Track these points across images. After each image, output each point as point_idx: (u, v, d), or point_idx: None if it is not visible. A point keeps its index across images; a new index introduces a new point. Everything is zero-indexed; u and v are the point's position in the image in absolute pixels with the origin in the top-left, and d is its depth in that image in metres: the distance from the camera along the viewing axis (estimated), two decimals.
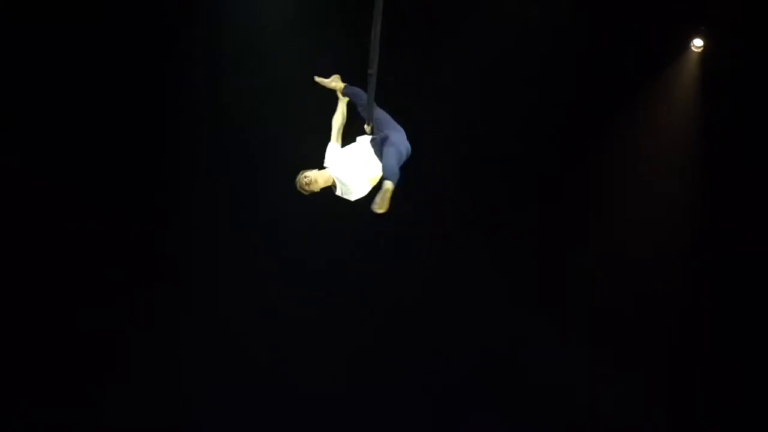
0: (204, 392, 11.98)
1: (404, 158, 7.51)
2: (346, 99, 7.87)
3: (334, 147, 7.79)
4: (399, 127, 7.64)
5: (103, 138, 11.90)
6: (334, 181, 7.59)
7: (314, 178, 7.55)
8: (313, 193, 7.64)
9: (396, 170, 7.27)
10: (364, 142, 7.61)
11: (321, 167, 7.63)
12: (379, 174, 7.46)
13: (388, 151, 7.39)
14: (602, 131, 12.39)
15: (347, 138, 7.75)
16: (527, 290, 12.28)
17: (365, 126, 7.63)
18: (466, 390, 12.19)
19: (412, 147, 7.60)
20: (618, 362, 12.22)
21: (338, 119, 7.85)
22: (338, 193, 7.65)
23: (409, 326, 12.16)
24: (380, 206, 7.09)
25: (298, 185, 7.62)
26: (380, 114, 7.69)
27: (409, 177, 7.53)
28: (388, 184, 7.13)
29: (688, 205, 12.35)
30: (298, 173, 7.59)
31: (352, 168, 7.55)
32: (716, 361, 12.23)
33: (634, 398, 12.16)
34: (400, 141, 7.52)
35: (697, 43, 12.27)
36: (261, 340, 12.00)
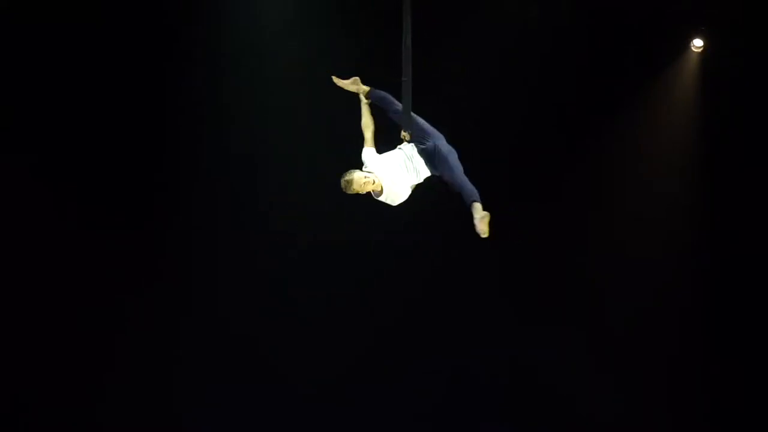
0: (204, 392, 11.94)
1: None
2: (369, 102, 7.79)
3: (371, 153, 7.70)
4: (440, 134, 7.66)
5: (103, 138, 11.88)
6: (381, 187, 7.55)
7: (372, 180, 7.49)
8: (356, 192, 7.56)
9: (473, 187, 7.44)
10: (410, 151, 7.59)
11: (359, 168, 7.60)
12: (421, 180, 7.59)
13: (459, 170, 7.50)
14: (602, 131, 12.37)
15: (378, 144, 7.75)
16: (527, 290, 12.25)
17: (403, 133, 7.59)
18: (465, 391, 12.16)
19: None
20: (618, 362, 12.18)
21: (369, 124, 7.75)
22: (382, 198, 7.62)
23: (408, 327, 12.13)
24: (485, 231, 7.23)
25: (352, 184, 7.47)
26: (419, 121, 7.66)
27: None
28: (480, 207, 7.28)
29: (688, 205, 12.32)
30: (347, 172, 7.48)
31: (402, 175, 7.57)
32: (716, 362, 12.19)
33: (633, 399, 12.12)
34: (453, 153, 7.58)
35: (697, 43, 12.25)
36: (261, 340, 11.98)
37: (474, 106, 11.97)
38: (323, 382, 11.95)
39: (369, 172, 7.55)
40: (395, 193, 7.62)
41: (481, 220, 7.30)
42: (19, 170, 11.67)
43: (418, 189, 7.81)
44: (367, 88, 7.73)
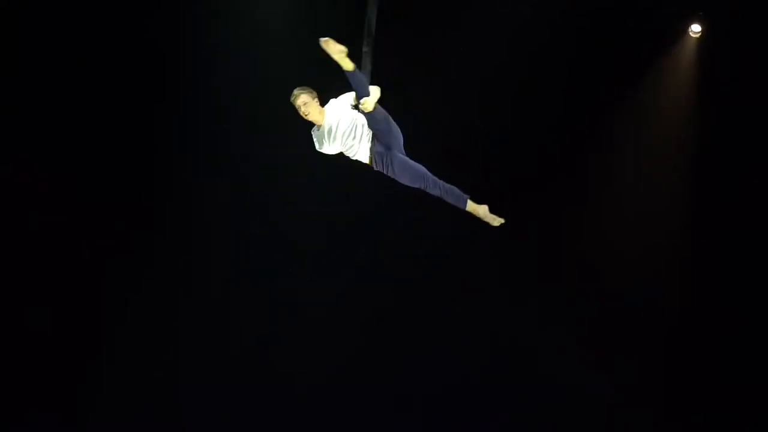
0: (201, 392, 11.92)
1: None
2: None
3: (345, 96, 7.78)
4: (399, 135, 7.79)
5: (101, 137, 11.92)
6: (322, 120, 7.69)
7: (318, 108, 7.70)
8: (298, 106, 7.72)
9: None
10: (363, 122, 7.67)
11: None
12: (353, 156, 7.78)
13: (420, 175, 7.73)
14: (599, 117, 12.35)
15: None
16: (524, 287, 12.17)
17: (362, 102, 7.65)
18: (463, 389, 12.09)
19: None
20: (616, 361, 12.06)
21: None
22: (315, 132, 7.76)
23: (406, 325, 12.07)
24: (498, 219, 7.80)
25: (299, 98, 7.71)
26: (382, 116, 7.74)
27: None
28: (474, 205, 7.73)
29: (685, 197, 12.23)
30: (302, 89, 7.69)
31: (347, 130, 7.69)
32: (712, 356, 12.09)
33: (630, 397, 12.00)
34: (407, 165, 7.76)
35: (695, 28, 12.27)
36: (259, 340, 12.02)
37: (469, 101, 11.97)
38: (321, 382, 11.91)
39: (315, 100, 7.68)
40: (329, 137, 7.71)
41: (486, 215, 7.61)
42: (15, 166, 11.72)
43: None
44: (352, 66, 7.44)
